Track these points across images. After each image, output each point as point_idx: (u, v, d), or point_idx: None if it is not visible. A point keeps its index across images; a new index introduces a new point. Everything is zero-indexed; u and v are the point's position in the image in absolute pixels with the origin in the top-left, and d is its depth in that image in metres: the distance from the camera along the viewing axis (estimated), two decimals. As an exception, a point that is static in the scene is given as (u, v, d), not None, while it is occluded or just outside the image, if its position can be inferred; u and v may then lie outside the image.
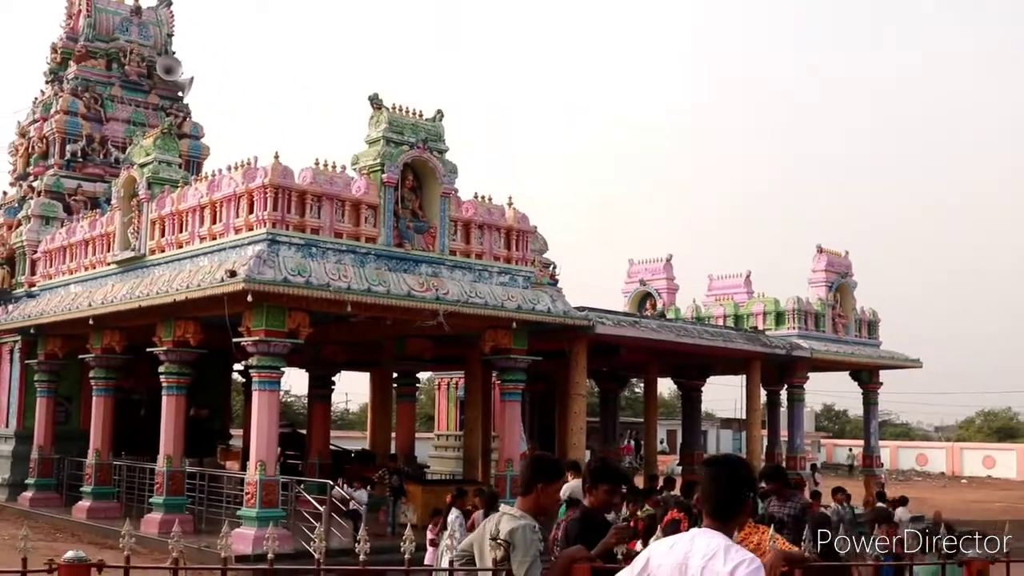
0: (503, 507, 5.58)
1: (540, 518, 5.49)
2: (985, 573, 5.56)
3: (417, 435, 30.91)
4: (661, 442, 51.76)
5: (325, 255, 17.31)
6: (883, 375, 31.53)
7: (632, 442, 43.89)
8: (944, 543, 5.75)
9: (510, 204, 20.33)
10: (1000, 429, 78.32)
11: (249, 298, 16.23)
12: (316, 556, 4.98)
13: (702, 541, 4.24)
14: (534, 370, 22.15)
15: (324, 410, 27.22)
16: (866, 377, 30.91)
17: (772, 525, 8.10)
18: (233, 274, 16.17)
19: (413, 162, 18.75)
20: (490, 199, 20.08)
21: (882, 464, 37.03)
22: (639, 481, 23.73)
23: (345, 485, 19.06)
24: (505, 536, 5.25)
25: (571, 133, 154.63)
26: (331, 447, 27.02)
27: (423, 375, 37.86)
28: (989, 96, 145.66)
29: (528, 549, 5.19)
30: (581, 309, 21.53)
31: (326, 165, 17.92)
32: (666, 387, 47.30)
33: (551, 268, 23.96)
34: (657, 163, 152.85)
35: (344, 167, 18.34)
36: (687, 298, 32.41)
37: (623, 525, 5.82)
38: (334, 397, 30.92)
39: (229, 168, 18.29)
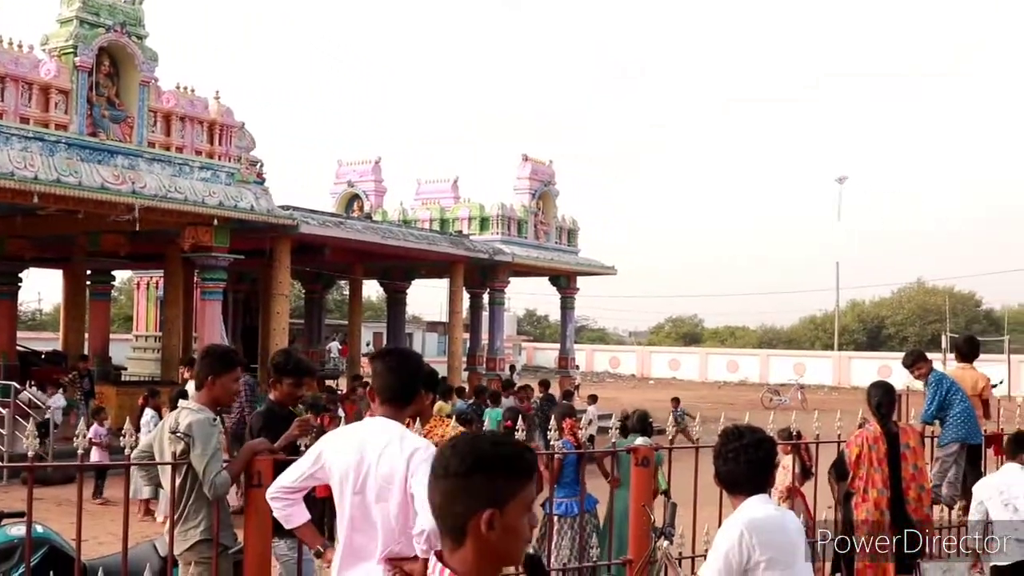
0: (182, 402, 5.50)
1: (218, 409, 5.44)
2: (649, 458, 5.99)
3: (114, 336, 29.76)
4: (367, 344, 52.10)
5: (9, 142, 16.16)
6: (581, 281, 32.91)
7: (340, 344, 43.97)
8: (617, 433, 6.12)
9: (216, 97, 19.62)
10: (686, 334, 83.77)
11: (-81, 185, 15.00)
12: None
13: (377, 429, 4.33)
14: (237, 269, 21.70)
15: (10, 308, 25.74)
16: (564, 282, 32.16)
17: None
18: (-99, 158, 14.89)
19: (110, 46, 17.72)
20: (193, 91, 19.30)
21: (577, 366, 38.79)
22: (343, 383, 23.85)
23: (34, 387, 18.15)
24: (184, 430, 5.17)
25: (283, 30, 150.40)
26: (19, 348, 25.65)
27: (121, 273, 36.38)
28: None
29: (208, 442, 5.14)
30: (286, 208, 21.21)
31: (11, 44, 16.65)
32: (375, 290, 47.56)
33: (258, 166, 23.33)
34: (370, 65, 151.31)
35: (32, 47, 17.10)
36: (395, 201, 32.53)
37: (306, 418, 5.85)
38: (24, 295, 29.27)
39: None
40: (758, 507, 3.89)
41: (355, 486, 4.23)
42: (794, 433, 8.89)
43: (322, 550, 4.56)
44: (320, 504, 8.76)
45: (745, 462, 3.93)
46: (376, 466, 4.20)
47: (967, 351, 10.23)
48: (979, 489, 7.35)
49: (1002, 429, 9.38)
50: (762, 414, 10.90)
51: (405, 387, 4.43)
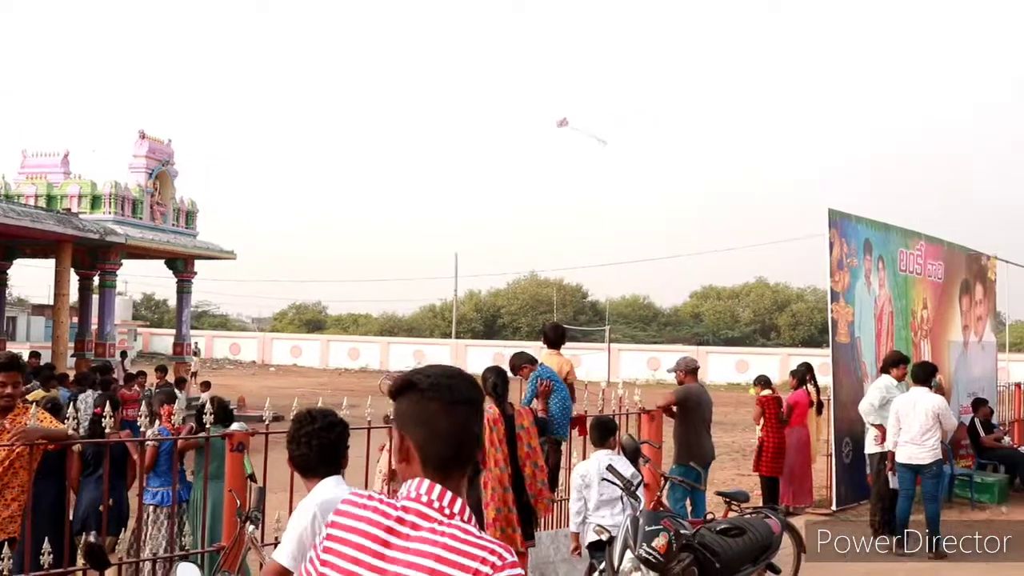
0: None
1: None
2: (245, 443, 5.98)
3: None
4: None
5: None
6: (202, 266, 32.09)
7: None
8: (210, 419, 6.06)
9: None
10: (310, 321, 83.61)
11: None
12: None
13: None
14: None
15: None
16: (181, 266, 31.20)
17: None
18: None
19: None
20: None
21: (196, 353, 37.83)
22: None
23: None
24: None
25: None
26: None
27: None
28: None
29: None
30: None
31: None
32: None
33: None
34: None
35: None
36: (-5, 174, 30.24)
37: None
38: None
39: None
40: (332, 489, 3.98)
41: None
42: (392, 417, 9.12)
43: None
44: None
45: (318, 445, 4.02)
46: None
47: (554, 338, 10.91)
48: (574, 476, 7.90)
49: (586, 412, 10.06)
50: (381, 400, 11.12)
51: None
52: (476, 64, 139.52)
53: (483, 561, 2.36)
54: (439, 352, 58.82)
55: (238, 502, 5.35)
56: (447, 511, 2.43)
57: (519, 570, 2.41)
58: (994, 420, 17.17)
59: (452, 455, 2.47)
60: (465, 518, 2.44)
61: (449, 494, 2.45)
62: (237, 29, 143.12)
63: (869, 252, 15.07)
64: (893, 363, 12.42)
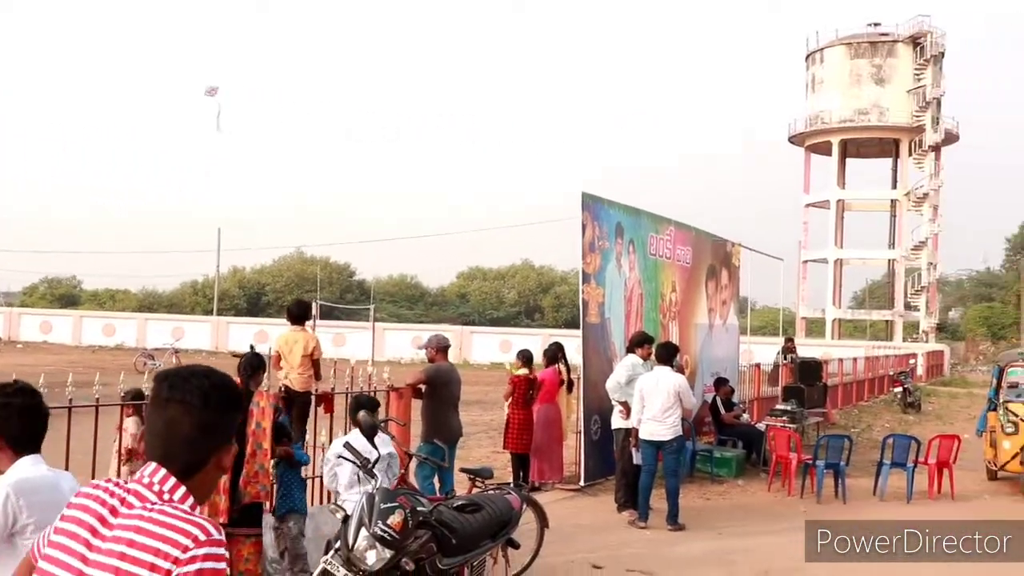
0: None
1: None
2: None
3: None
4: None
5: None
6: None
7: None
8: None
9: None
10: (64, 296, 79.90)
11: None
12: None
13: None
14: None
15: None
16: (-86, 235, 29.15)
17: None
18: None
19: None
20: None
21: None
22: None
23: None
24: None
25: None
26: None
27: None
28: None
29: None
30: None
31: None
32: None
33: None
34: None
35: None
36: None
37: None
38: None
39: None
40: (29, 468, 3.76)
41: None
42: (129, 393, 8.78)
43: None
44: None
45: (17, 423, 3.80)
46: None
47: (297, 313, 10.77)
48: (328, 454, 7.78)
49: (333, 388, 9.95)
50: (135, 377, 10.74)
51: None
52: (261, 32, 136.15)
53: (186, 534, 2.40)
54: (199, 329, 57.23)
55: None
56: (165, 495, 2.48)
57: (222, 550, 2.45)
58: (735, 399, 18.00)
59: (159, 454, 2.51)
60: (187, 505, 2.48)
61: (172, 480, 2.49)
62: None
63: (621, 235, 15.47)
64: (639, 343, 12.80)
